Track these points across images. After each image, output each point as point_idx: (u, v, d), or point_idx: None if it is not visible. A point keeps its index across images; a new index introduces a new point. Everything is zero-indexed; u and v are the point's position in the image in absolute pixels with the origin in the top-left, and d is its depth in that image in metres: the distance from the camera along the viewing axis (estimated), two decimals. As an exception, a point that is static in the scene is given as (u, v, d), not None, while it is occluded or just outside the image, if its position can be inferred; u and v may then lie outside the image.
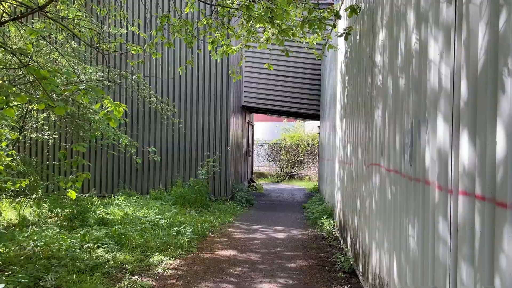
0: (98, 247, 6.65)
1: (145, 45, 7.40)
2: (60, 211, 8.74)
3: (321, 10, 6.07)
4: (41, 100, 4.09)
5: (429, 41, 2.97)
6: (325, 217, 9.54)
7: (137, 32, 8.68)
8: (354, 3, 6.05)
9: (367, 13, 5.55)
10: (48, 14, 7.02)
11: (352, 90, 6.81)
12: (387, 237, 4.17)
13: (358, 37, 6.25)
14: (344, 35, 6.13)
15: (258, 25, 7.19)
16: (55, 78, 4.08)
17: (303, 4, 6.79)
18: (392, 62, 4.10)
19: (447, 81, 2.65)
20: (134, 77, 8.23)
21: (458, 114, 2.50)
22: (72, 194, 4.68)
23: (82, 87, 4.12)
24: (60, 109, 3.85)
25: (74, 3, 10.03)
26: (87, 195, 10.36)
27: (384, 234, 4.31)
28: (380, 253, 4.48)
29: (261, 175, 22.92)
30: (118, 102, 4.74)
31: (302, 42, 8.03)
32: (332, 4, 11.12)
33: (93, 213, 8.74)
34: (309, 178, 21.80)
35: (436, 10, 2.86)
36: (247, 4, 5.77)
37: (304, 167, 22.84)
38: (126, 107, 4.73)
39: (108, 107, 4.73)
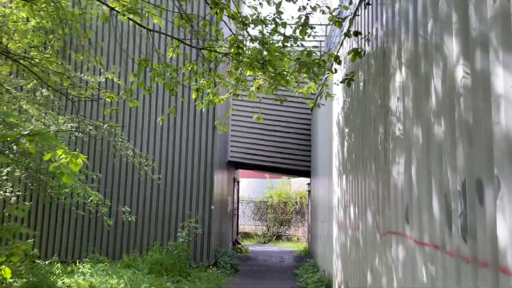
0: (48, 334, 5.33)
1: (122, 92, 6.60)
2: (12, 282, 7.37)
3: (321, 57, 5.41)
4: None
5: (492, 70, 2.18)
6: (322, 288, 8.35)
7: (115, 80, 7.93)
8: (355, 46, 5.42)
9: (374, 55, 4.89)
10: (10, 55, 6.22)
11: (355, 143, 6.01)
12: (424, 335, 3.13)
13: (361, 83, 5.56)
14: (346, 81, 5.43)
15: (248, 73, 6.51)
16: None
17: (299, 49, 6.18)
18: (419, 106, 3.31)
19: (538, 122, 1.81)
20: (105, 126, 7.32)
21: None
22: (7, 273, 3.55)
23: (26, 133, 3.17)
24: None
25: (48, 48, 9.34)
26: (47, 262, 9.00)
27: (417, 328, 3.27)
28: None
29: (247, 235, 21.52)
30: (76, 152, 3.78)
31: (295, 92, 7.36)
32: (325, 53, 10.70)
33: (52, 286, 7.39)
34: (298, 239, 20.49)
35: (504, 28, 2.09)
36: (238, 43, 5.07)
37: (292, 226, 21.59)
38: (85, 158, 3.77)
39: (62, 159, 3.76)
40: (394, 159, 4.00)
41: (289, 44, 5.49)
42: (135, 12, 5.02)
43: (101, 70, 9.17)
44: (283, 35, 5.15)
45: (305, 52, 5.12)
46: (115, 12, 6.03)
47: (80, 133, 8.25)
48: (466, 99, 2.50)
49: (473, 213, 2.39)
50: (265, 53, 5.79)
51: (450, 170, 2.70)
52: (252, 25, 5.91)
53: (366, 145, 5.25)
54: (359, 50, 5.13)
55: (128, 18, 6.07)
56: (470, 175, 2.43)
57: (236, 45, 5.04)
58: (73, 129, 8.32)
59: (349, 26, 5.63)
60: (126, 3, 5.77)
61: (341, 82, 5.62)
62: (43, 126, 8.49)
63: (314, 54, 5.24)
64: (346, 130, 6.75)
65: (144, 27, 5.94)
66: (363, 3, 4.95)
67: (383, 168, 4.41)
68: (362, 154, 5.46)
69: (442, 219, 2.84)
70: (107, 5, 5.95)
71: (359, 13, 5.43)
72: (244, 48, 5.37)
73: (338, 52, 7.24)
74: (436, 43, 2.96)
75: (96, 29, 10.87)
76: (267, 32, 5.43)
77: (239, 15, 5.85)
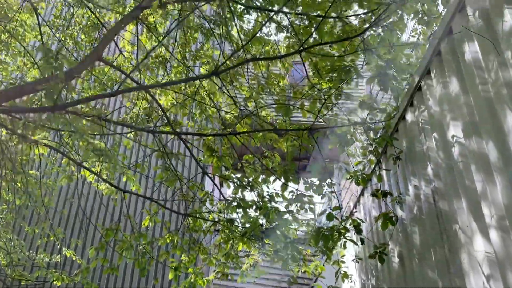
0: None
1: (75, 273, 5.03)
2: None
3: (341, 223, 4.25)
4: None
5: None
6: None
7: (74, 258, 6.43)
8: (384, 210, 4.31)
9: (415, 219, 3.75)
10: None
11: None
12: None
13: (396, 259, 4.25)
14: (377, 256, 4.12)
15: (240, 247, 5.25)
16: None
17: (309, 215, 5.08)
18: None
19: None
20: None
21: None
22: None
23: None
24: None
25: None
26: None
27: None
28: None
29: None
30: None
31: (297, 271, 5.97)
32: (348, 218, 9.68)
33: None
34: None
35: None
36: (239, 201, 3.92)
37: None
38: None
39: None
40: None
41: (300, 209, 4.37)
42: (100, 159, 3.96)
43: (60, 246, 7.59)
44: (297, 193, 4.06)
45: (327, 214, 3.97)
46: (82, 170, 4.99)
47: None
48: None
49: None
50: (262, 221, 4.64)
51: None
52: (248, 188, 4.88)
53: None
54: (391, 215, 4.01)
55: (99, 177, 5.02)
56: None
57: (236, 203, 3.86)
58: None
59: (366, 183, 4.61)
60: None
61: (369, 257, 4.28)
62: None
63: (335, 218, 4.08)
64: (374, 324, 5.07)
65: (116, 188, 4.81)
66: (391, 158, 4.07)
67: None
68: None
69: None
70: (85, 167, 4.95)
71: (386, 167, 4.50)
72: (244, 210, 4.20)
73: (349, 218, 6.11)
74: None
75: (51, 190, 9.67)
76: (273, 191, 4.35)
77: (234, 176, 4.89)
